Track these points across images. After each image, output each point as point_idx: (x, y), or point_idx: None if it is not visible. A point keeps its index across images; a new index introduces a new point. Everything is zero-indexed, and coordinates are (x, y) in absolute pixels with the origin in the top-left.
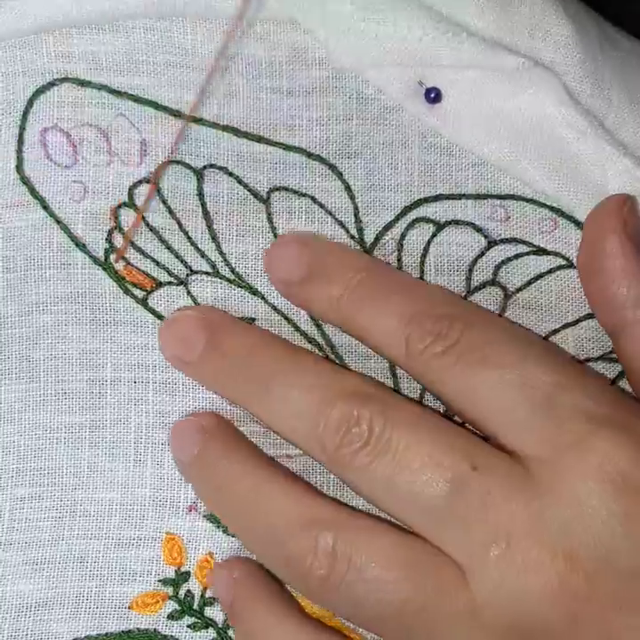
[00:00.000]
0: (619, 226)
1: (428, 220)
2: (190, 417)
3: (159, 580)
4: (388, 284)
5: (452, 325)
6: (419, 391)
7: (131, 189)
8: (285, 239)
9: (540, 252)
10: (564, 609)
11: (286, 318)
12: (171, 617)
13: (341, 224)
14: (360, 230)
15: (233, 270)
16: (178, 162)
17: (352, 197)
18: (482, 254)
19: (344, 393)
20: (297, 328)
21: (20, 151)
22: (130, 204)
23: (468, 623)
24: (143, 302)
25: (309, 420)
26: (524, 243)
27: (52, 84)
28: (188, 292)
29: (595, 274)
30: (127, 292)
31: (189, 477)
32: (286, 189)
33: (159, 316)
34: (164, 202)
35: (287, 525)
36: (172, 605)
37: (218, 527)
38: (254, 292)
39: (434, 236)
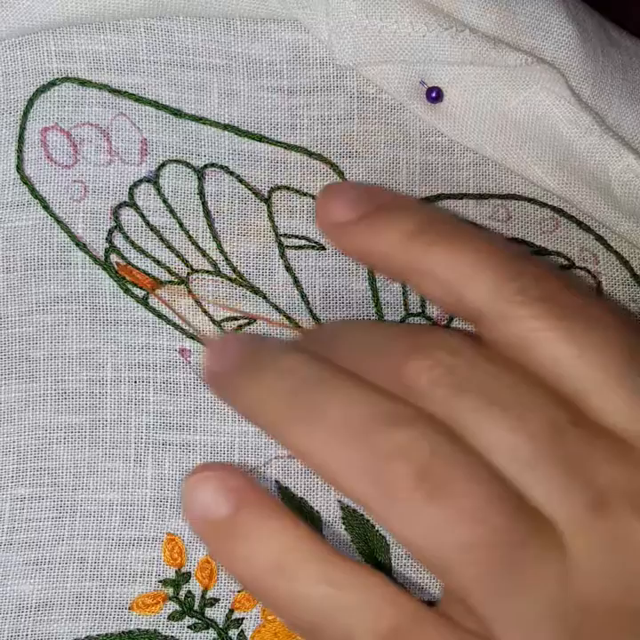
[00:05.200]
0: None
1: None
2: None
3: (160, 581)
4: (468, 225)
5: (550, 274)
6: None
7: (131, 189)
8: (335, 184)
9: (542, 251)
10: None
11: (288, 317)
12: (171, 618)
13: None
14: None
15: (234, 269)
16: (179, 161)
17: None
18: None
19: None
20: (299, 327)
21: (20, 151)
22: (130, 203)
23: (556, 587)
24: (144, 301)
25: None
26: (525, 242)
27: (52, 84)
28: (189, 291)
29: None
30: (127, 291)
31: (232, 386)
32: (287, 188)
33: (159, 316)
34: (165, 201)
35: (375, 417)
36: (172, 606)
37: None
38: (256, 291)
39: None
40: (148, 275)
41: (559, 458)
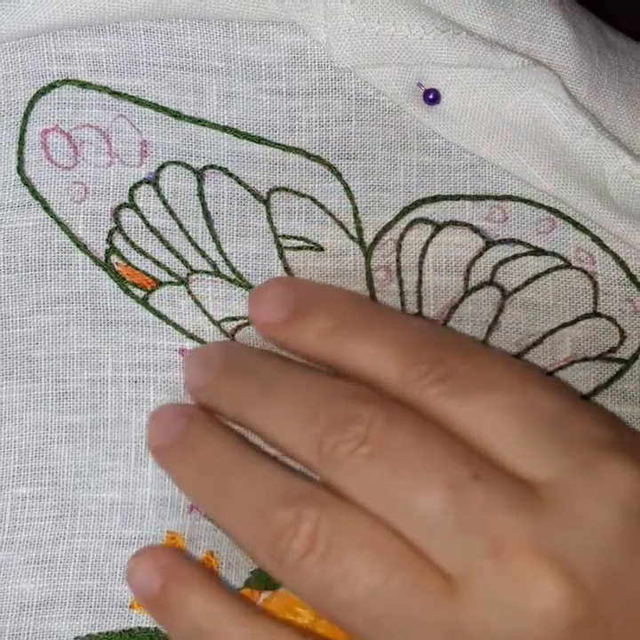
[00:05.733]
0: None
1: (426, 221)
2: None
3: None
4: (380, 315)
5: (451, 354)
6: None
7: (131, 190)
8: (265, 283)
9: (538, 252)
10: (560, 635)
11: None
12: None
13: (341, 224)
14: (359, 230)
15: (233, 270)
16: (178, 163)
17: (351, 198)
18: (480, 255)
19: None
20: None
21: (20, 152)
22: (130, 204)
23: (446, 636)
24: (144, 302)
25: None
26: (521, 243)
27: (52, 86)
28: (189, 292)
29: None
30: (128, 292)
31: (168, 461)
32: (286, 190)
33: (160, 316)
34: (165, 202)
35: (270, 499)
36: None
37: (218, 526)
38: None
39: (432, 236)
40: (148, 275)
41: (455, 515)
